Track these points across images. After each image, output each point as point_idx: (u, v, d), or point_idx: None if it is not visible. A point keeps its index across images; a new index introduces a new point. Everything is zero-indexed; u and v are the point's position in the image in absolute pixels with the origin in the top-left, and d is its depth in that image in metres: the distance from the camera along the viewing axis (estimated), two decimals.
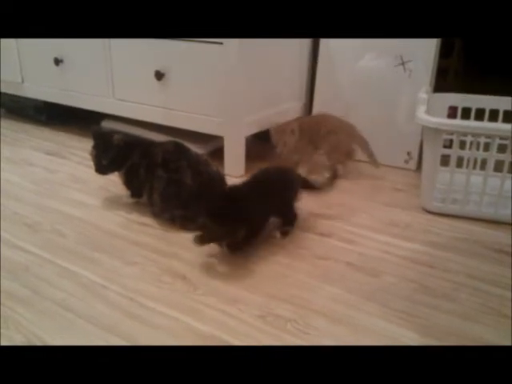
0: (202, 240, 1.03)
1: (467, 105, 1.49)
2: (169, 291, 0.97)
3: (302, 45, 1.75)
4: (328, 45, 1.72)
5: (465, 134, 1.31)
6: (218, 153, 1.63)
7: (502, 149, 1.27)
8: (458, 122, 1.36)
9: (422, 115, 1.25)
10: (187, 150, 1.25)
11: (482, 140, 1.42)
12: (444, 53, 1.72)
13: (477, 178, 1.28)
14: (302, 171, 1.45)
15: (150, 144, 1.29)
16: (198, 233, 1.03)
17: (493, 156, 1.26)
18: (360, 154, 1.58)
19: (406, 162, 1.66)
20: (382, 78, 1.65)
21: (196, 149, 1.35)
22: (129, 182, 1.31)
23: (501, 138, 1.26)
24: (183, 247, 1.13)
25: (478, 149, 1.37)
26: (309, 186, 1.34)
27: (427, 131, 1.26)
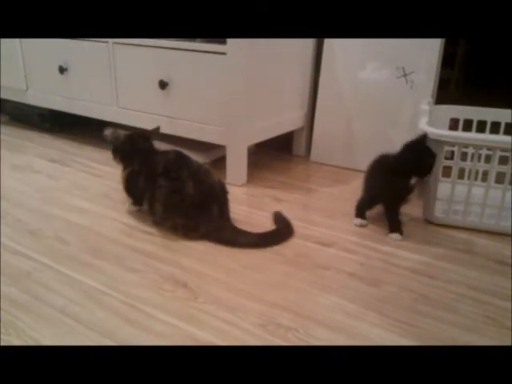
0: None
1: (469, 117, 1.50)
2: (170, 299, 0.97)
3: (304, 55, 1.76)
4: (330, 55, 1.74)
5: (466, 146, 1.31)
6: (220, 161, 1.63)
7: (503, 161, 1.27)
8: (459, 133, 1.36)
9: (425, 127, 1.25)
10: (188, 160, 1.25)
11: (484, 152, 1.43)
12: (446, 64, 1.73)
13: (478, 189, 1.29)
14: None
15: (151, 152, 1.30)
16: None
17: (494, 168, 1.26)
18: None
19: None
20: (384, 89, 1.66)
21: (198, 157, 1.36)
22: (129, 189, 1.32)
23: (502, 150, 1.26)
24: (185, 255, 1.13)
25: (479, 160, 1.37)
26: None
27: (429, 142, 1.27)
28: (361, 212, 1.33)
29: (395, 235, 1.24)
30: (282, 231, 1.24)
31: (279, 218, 1.28)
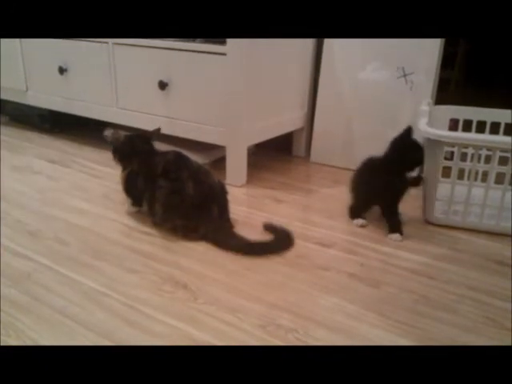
0: None
1: (468, 117, 1.50)
2: (169, 300, 0.97)
3: (304, 56, 1.76)
4: (330, 55, 1.74)
5: (466, 147, 1.31)
6: (219, 162, 1.63)
7: (503, 161, 1.27)
8: (459, 134, 1.36)
9: (424, 127, 1.25)
10: (188, 160, 1.25)
11: (483, 152, 1.43)
12: (446, 64, 1.73)
13: (478, 190, 1.29)
14: None
15: (150, 153, 1.30)
16: None
17: (494, 168, 1.26)
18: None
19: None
20: (384, 90, 1.66)
21: (198, 158, 1.35)
22: (129, 190, 1.32)
23: (502, 151, 1.26)
24: (185, 256, 1.13)
25: (479, 161, 1.37)
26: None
27: (429, 143, 1.27)
28: (355, 214, 1.33)
29: (395, 235, 1.24)
30: (279, 242, 1.19)
31: (275, 228, 1.23)
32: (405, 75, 1.62)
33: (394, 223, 1.26)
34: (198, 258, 1.13)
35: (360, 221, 1.31)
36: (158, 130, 1.37)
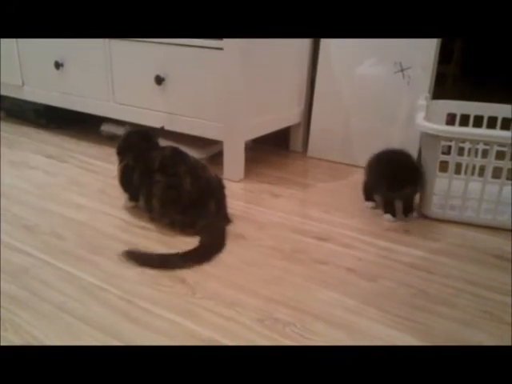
0: None
1: (466, 112, 1.50)
2: (168, 294, 0.97)
3: (301, 51, 1.76)
4: (327, 51, 1.73)
5: (463, 141, 1.31)
6: (217, 157, 1.63)
7: (500, 156, 1.27)
8: (456, 128, 1.37)
9: (422, 122, 1.25)
10: (185, 155, 1.25)
11: (481, 147, 1.43)
12: (443, 59, 1.73)
13: (475, 184, 1.29)
14: None
15: (146, 148, 1.29)
16: None
17: (491, 163, 1.26)
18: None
19: None
20: (381, 85, 1.65)
21: (195, 153, 1.35)
22: (124, 184, 1.31)
23: (499, 145, 1.26)
24: (182, 251, 1.13)
25: (476, 155, 1.38)
26: None
27: (426, 138, 1.27)
28: (368, 196, 1.40)
29: (388, 215, 1.31)
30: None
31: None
32: (402, 70, 1.62)
33: (388, 207, 1.32)
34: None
35: (370, 203, 1.39)
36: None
